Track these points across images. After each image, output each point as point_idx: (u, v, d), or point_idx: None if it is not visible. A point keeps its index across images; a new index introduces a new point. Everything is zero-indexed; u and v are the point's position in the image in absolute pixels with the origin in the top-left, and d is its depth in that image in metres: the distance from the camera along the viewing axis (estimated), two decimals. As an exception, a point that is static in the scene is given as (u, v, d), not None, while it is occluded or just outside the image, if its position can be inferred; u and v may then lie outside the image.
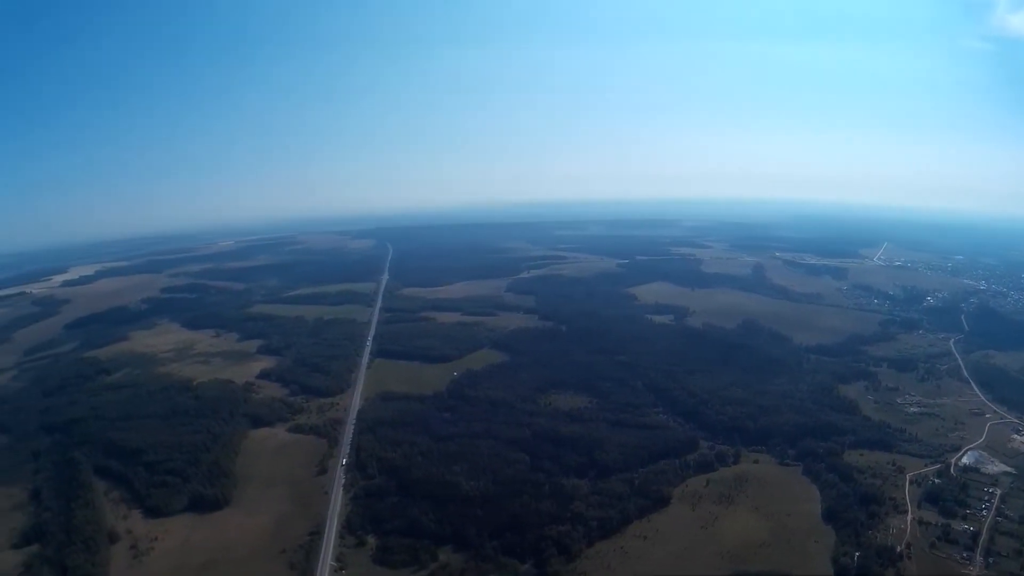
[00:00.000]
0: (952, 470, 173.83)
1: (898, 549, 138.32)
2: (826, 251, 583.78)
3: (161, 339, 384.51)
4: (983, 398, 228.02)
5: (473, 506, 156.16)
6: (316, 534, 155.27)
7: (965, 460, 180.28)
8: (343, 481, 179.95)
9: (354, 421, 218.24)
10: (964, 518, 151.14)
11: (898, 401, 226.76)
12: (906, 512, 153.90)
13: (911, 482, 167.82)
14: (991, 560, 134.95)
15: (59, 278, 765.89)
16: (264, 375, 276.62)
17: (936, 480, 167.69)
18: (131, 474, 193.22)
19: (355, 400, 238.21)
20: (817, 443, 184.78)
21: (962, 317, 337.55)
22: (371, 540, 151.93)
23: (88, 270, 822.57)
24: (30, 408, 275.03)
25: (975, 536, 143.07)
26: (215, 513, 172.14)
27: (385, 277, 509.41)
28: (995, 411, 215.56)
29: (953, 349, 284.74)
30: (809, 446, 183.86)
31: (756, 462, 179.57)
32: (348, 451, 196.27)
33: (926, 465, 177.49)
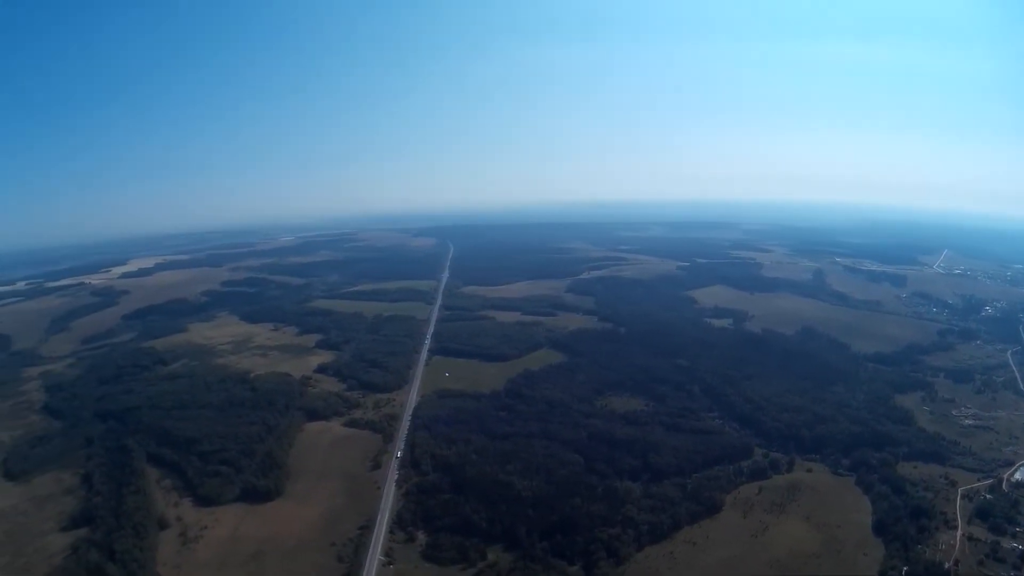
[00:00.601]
0: (1004, 486, 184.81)
1: (946, 566, 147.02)
2: (886, 257, 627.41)
3: (220, 331, 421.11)
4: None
5: (525, 506, 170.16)
6: (366, 528, 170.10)
7: (1018, 476, 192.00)
8: (396, 477, 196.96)
9: (410, 417, 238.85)
10: (1014, 536, 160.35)
11: (953, 413, 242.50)
12: (956, 528, 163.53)
13: (963, 496, 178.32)
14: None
15: (118, 270, 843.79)
16: (322, 369, 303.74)
17: (987, 496, 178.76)
18: (184, 463, 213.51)
19: (412, 396, 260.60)
20: (871, 453, 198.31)
21: (1020, 328, 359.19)
22: (421, 536, 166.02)
23: (147, 262, 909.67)
24: (85, 396, 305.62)
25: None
26: (266, 504, 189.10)
27: (446, 275, 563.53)
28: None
29: (1010, 361, 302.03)
30: (863, 456, 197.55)
31: (809, 471, 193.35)
32: (402, 447, 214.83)
33: (978, 480, 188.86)
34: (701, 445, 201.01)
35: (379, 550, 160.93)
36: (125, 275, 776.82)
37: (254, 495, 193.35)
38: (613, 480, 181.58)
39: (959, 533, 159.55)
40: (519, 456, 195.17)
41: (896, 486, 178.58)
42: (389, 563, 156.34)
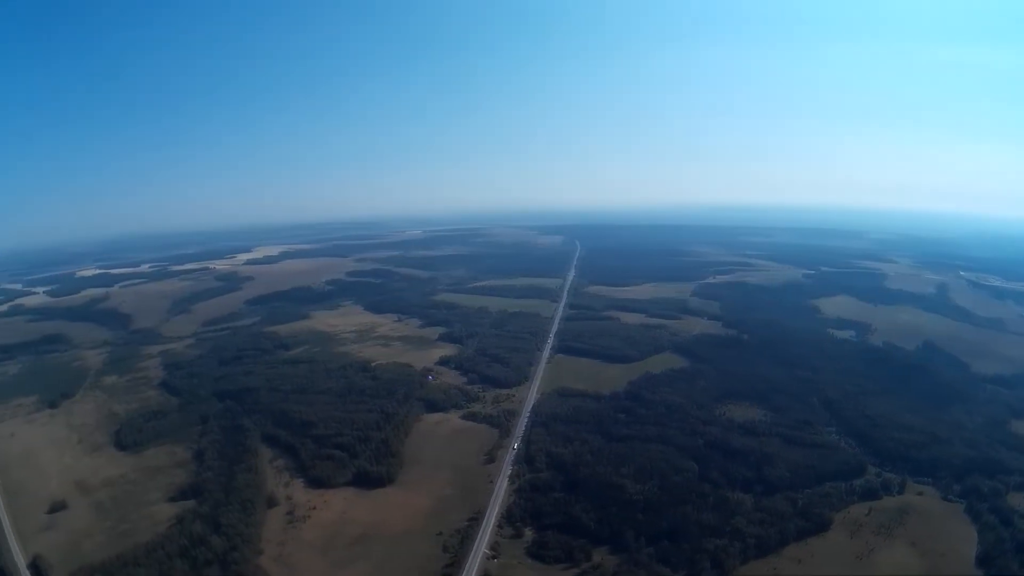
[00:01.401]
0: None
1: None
2: (1012, 274, 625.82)
3: (343, 320, 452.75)
4: None
5: (635, 510, 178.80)
6: (475, 521, 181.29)
7: None
8: (509, 472, 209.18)
9: (528, 414, 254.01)
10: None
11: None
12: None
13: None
14: None
15: (243, 256, 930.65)
16: (443, 362, 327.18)
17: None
18: (298, 445, 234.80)
19: (531, 393, 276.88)
20: (983, 480, 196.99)
21: None
22: (529, 532, 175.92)
23: (273, 251, 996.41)
24: (204, 375, 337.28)
25: None
26: (377, 490, 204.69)
27: (572, 274, 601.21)
28: None
29: None
30: (975, 483, 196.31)
31: (920, 494, 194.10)
32: (519, 443, 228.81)
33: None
34: (816, 460, 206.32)
35: (485, 543, 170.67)
36: (250, 262, 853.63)
37: (366, 481, 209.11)
38: (725, 490, 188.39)
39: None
40: (634, 459, 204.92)
41: (1005, 517, 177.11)
42: (494, 557, 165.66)
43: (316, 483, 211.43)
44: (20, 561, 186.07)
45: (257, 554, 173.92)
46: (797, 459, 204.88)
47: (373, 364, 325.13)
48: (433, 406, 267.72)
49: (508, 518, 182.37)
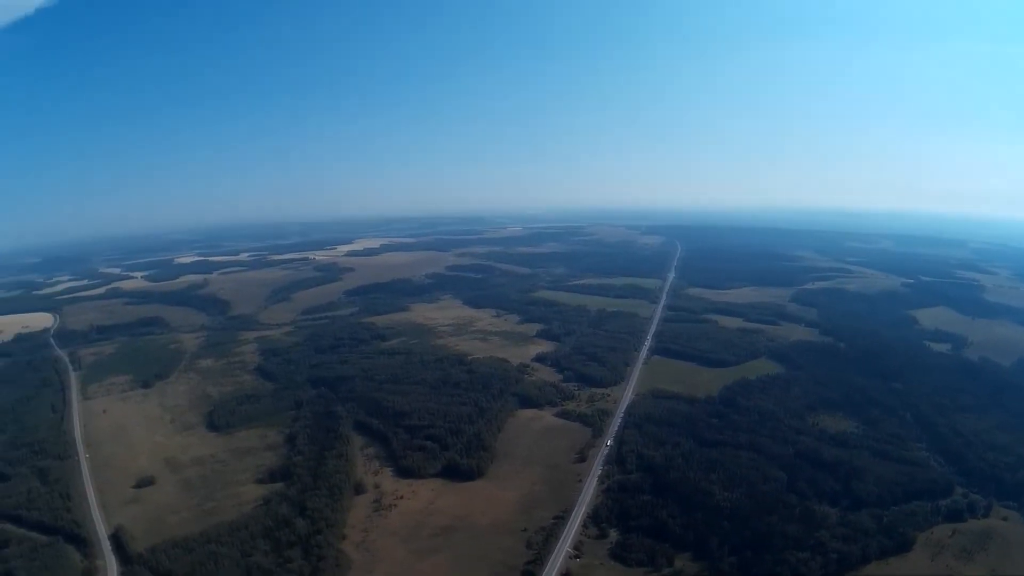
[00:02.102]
0: None
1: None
2: None
3: (442, 313, 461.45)
4: None
5: (721, 517, 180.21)
6: (560, 519, 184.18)
7: None
8: (599, 472, 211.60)
9: (622, 414, 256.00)
10: None
11: None
12: None
13: None
14: None
15: (344, 248, 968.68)
16: (540, 359, 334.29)
17: None
18: (390, 434, 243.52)
19: (627, 394, 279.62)
20: None
21: None
22: (613, 534, 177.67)
23: (374, 243, 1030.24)
24: (300, 362, 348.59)
25: None
26: (466, 483, 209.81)
27: (672, 275, 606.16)
28: None
29: None
30: None
31: (1005, 519, 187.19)
32: (610, 443, 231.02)
33: None
34: (904, 477, 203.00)
35: (569, 542, 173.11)
36: (351, 253, 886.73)
37: (456, 473, 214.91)
38: (812, 502, 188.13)
39: None
40: (724, 466, 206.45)
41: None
42: (576, 556, 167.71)
43: (405, 473, 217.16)
44: (102, 532, 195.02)
45: (340, 539, 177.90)
46: (885, 474, 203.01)
47: (469, 358, 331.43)
48: (528, 402, 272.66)
49: (594, 518, 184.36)
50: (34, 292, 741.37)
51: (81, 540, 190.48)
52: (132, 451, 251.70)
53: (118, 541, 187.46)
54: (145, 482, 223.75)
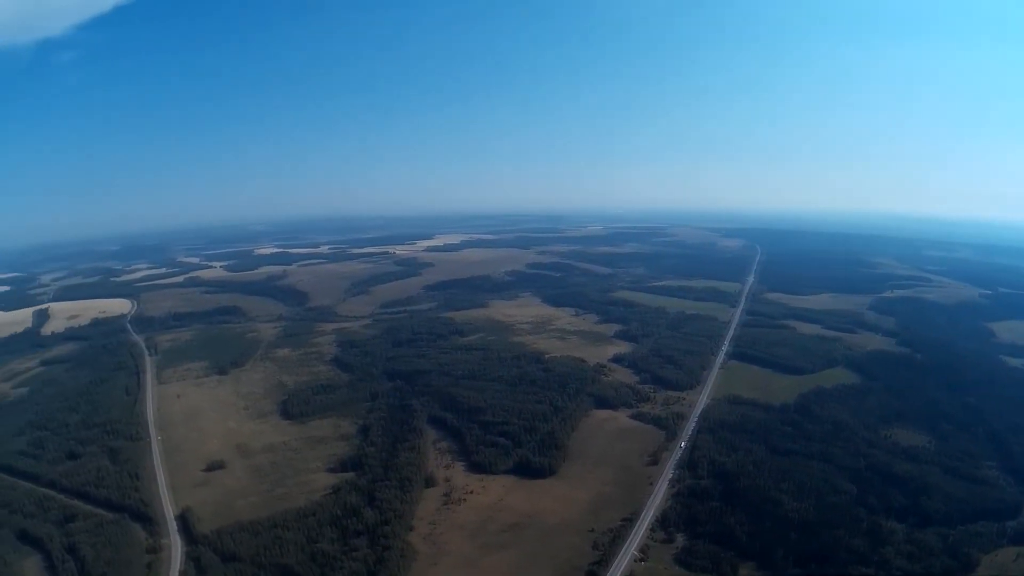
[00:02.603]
0: None
1: None
2: None
3: (520, 311, 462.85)
4: None
5: (789, 528, 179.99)
6: (628, 521, 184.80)
7: None
8: (671, 476, 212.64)
9: (697, 419, 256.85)
10: None
11: None
12: None
13: None
14: None
15: (424, 243, 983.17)
16: (617, 359, 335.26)
17: None
18: (464, 429, 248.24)
19: (702, 398, 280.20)
20: None
21: None
22: (680, 539, 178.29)
23: (454, 239, 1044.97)
24: (377, 354, 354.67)
25: None
26: (537, 481, 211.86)
27: (751, 279, 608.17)
28: None
29: None
30: None
31: None
32: (683, 447, 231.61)
33: None
34: (974, 495, 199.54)
35: (636, 545, 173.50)
36: (431, 249, 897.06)
37: (527, 470, 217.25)
38: (880, 517, 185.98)
39: None
40: (795, 475, 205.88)
41: None
42: (641, 559, 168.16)
43: (477, 468, 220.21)
44: (169, 512, 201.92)
45: (407, 530, 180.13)
46: (954, 492, 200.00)
47: (547, 356, 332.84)
48: (603, 402, 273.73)
49: (662, 522, 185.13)
50: (112, 279, 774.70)
51: (147, 519, 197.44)
52: (204, 435, 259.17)
53: (185, 521, 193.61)
54: (216, 466, 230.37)
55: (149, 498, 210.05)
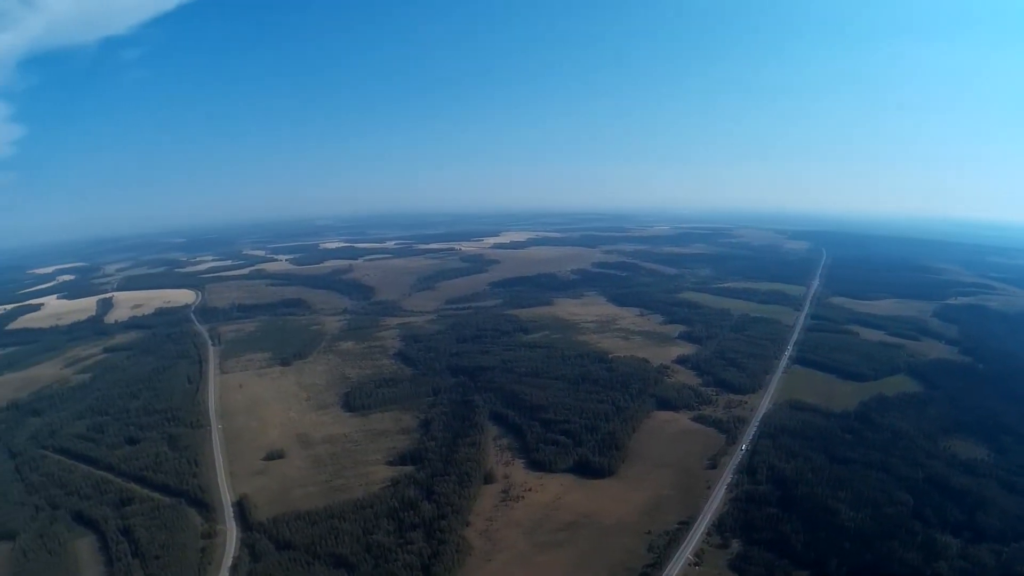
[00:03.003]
0: None
1: None
2: None
3: (585, 310, 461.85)
4: None
5: (844, 537, 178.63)
6: (685, 524, 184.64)
7: None
8: (729, 480, 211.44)
9: (758, 423, 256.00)
10: None
11: None
12: None
13: None
14: None
15: (490, 240, 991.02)
16: (681, 361, 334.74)
17: None
18: (525, 427, 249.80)
19: (764, 402, 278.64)
20: None
21: None
22: (735, 545, 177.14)
23: (520, 236, 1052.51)
24: (440, 350, 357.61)
25: None
26: (596, 480, 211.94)
27: (816, 282, 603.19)
28: None
29: None
30: None
31: None
32: (743, 451, 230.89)
33: None
34: None
35: (691, 549, 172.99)
36: (497, 246, 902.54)
37: (586, 470, 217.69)
38: (935, 530, 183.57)
39: None
40: (852, 484, 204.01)
41: None
42: (696, 564, 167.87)
43: (537, 466, 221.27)
44: (227, 499, 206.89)
45: (464, 525, 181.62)
46: (1011, 508, 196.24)
47: (610, 356, 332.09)
48: (665, 404, 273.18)
49: (718, 527, 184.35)
50: (176, 270, 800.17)
51: (204, 505, 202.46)
52: (265, 425, 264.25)
53: (241, 508, 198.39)
54: (275, 455, 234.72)
55: (207, 484, 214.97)
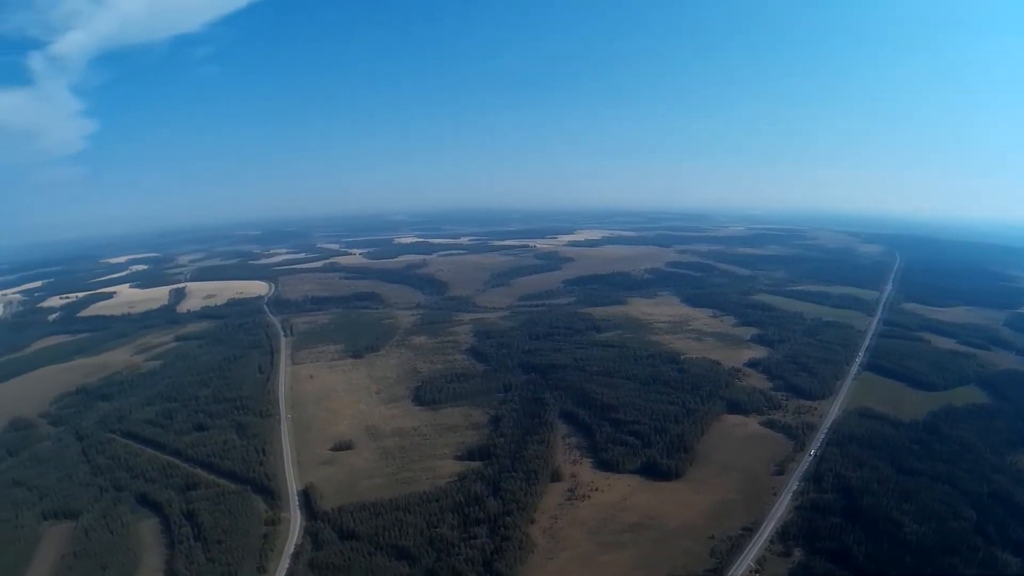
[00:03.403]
0: None
1: None
2: None
3: (658, 309, 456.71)
4: None
5: (906, 551, 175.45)
6: (749, 530, 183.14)
7: None
8: (795, 487, 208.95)
9: (826, 430, 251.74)
10: None
11: None
12: None
13: None
14: None
15: (565, 238, 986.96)
16: (752, 364, 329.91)
17: None
18: (595, 426, 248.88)
19: (833, 409, 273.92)
20: None
21: None
22: (797, 553, 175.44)
23: (595, 235, 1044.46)
24: (513, 346, 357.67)
25: None
26: (663, 482, 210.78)
27: (889, 287, 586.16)
28: None
29: None
30: None
31: None
32: (810, 458, 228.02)
33: None
34: None
35: (753, 556, 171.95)
36: (571, 244, 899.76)
37: (654, 471, 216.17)
38: (996, 548, 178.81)
39: None
40: (918, 497, 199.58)
41: None
42: (756, 571, 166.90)
43: (604, 466, 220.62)
44: (292, 487, 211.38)
45: (528, 522, 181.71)
46: None
47: (682, 357, 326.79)
48: (735, 407, 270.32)
49: (781, 535, 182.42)
50: (250, 262, 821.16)
51: (270, 492, 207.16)
52: (334, 416, 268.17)
53: (307, 497, 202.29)
54: (343, 446, 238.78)
55: (273, 472, 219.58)
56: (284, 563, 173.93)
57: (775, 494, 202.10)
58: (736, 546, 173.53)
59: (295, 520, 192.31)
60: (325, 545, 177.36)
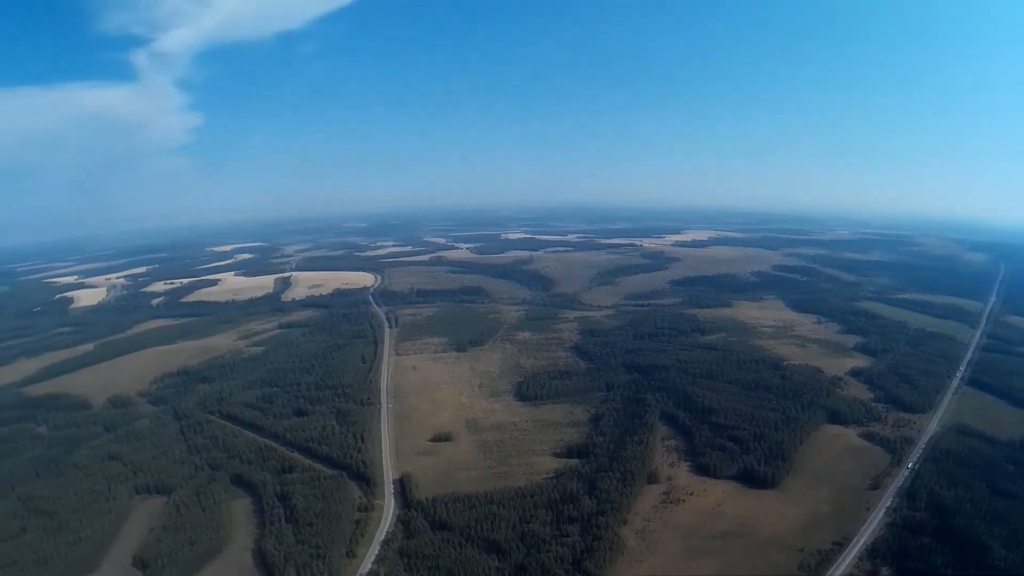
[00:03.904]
0: None
1: None
2: None
3: (763, 313, 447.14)
4: None
5: None
6: (839, 546, 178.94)
7: None
8: (889, 503, 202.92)
9: (924, 445, 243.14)
10: None
11: None
12: None
13: None
14: None
15: (672, 237, 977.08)
16: (854, 373, 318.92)
17: None
18: (694, 429, 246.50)
19: (932, 423, 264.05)
20: None
21: None
22: (884, 573, 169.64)
23: (702, 235, 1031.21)
24: (617, 345, 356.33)
25: None
26: (758, 490, 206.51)
27: (992, 298, 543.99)
28: None
29: None
30: None
31: None
32: (907, 474, 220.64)
33: None
34: None
35: (840, 572, 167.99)
36: (678, 243, 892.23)
37: (750, 478, 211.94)
38: None
39: None
40: (1010, 520, 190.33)
41: None
42: None
43: (701, 470, 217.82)
44: (389, 476, 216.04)
45: (621, 523, 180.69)
46: None
47: (785, 363, 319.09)
48: (835, 417, 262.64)
49: (871, 552, 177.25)
50: (356, 253, 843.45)
51: (365, 479, 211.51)
52: (435, 407, 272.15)
53: (402, 486, 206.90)
54: (442, 437, 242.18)
55: (370, 460, 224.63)
56: (374, 549, 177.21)
57: (868, 509, 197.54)
58: (825, 560, 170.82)
59: (389, 508, 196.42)
60: (417, 534, 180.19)
